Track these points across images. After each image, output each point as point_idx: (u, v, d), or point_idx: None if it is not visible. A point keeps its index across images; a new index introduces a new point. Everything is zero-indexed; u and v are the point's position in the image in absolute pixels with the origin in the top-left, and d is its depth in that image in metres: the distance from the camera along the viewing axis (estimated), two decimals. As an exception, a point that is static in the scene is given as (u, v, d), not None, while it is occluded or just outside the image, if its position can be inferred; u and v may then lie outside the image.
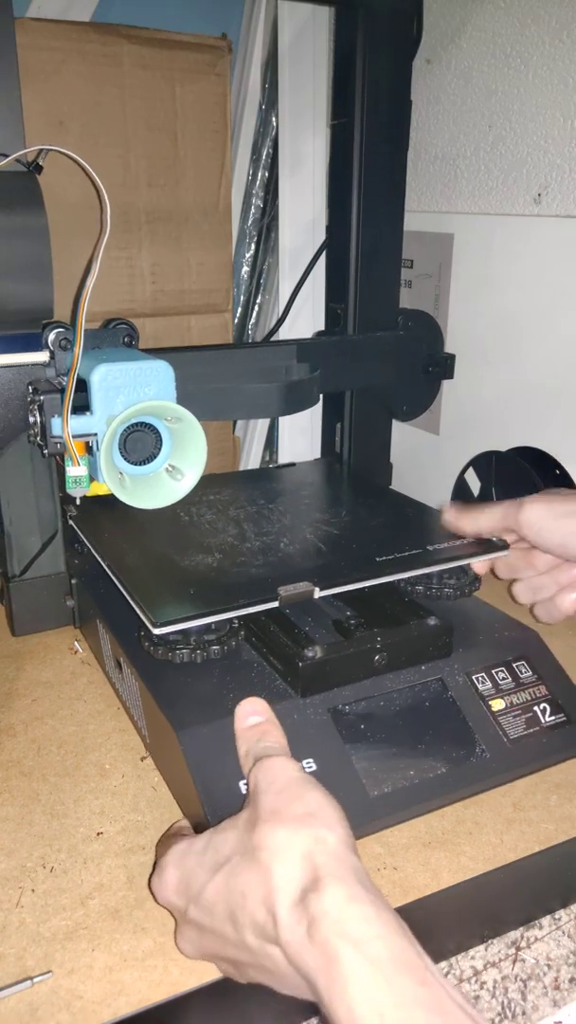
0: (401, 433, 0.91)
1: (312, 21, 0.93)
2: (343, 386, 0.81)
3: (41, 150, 0.57)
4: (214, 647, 0.49)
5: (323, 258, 0.94)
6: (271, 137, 1.01)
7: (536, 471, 0.75)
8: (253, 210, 1.04)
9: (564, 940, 0.42)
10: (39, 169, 0.57)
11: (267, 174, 1.03)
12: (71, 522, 0.63)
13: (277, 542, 0.58)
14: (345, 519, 0.63)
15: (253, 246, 1.05)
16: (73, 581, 0.66)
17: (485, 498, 0.82)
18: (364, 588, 0.52)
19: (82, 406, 0.52)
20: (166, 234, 0.84)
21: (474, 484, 0.84)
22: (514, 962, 0.41)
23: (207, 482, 0.63)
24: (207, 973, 0.38)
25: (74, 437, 0.51)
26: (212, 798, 0.41)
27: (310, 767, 0.43)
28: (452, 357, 0.85)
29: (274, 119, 0.99)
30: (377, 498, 0.70)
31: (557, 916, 0.43)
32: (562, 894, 0.44)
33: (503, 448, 0.80)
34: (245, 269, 1.06)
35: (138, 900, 0.41)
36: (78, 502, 0.59)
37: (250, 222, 1.04)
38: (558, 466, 0.74)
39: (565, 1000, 0.39)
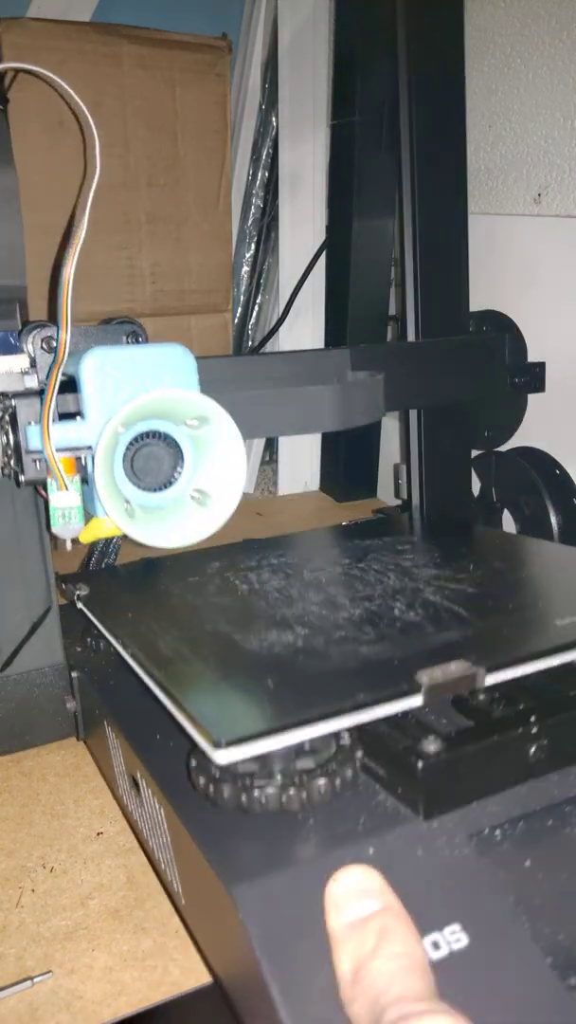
0: (397, 432, 0.91)
1: (312, 21, 0.93)
2: (410, 405, 0.63)
3: (8, 69, 0.48)
4: (318, 782, 0.30)
5: (323, 258, 0.94)
6: (271, 137, 1.01)
7: (536, 471, 0.75)
8: (253, 210, 1.04)
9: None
10: (5, 101, 0.49)
11: (267, 174, 1.03)
12: (79, 605, 0.47)
13: (388, 608, 0.41)
14: (476, 573, 0.46)
15: (253, 246, 1.05)
16: (74, 675, 0.48)
17: (485, 498, 0.82)
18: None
19: (70, 413, 0.39)
20: (166, 234, 0.84)
21: (474, 484, 0.85)
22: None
23: (255, 547, 0.52)
24: (207, 973, 0.38)
25: (58, 451, 0.37)
26: (293, 995, 0.24)
27: (457, 939, 0.25)
28: (542, 366, 0.69)
29: (274, 119, 0.99)
30: (506, 545, 0.54)
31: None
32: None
33: (503, 448, 0.80)
34: (245, 269, 1.06)
35: (138, 900, 0.41)
36: (81, 589, 0.45)
37: (250, 222, 1.04)
38: (558, 466, 0.74)
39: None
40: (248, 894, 0.26)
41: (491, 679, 0.33)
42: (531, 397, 0.76)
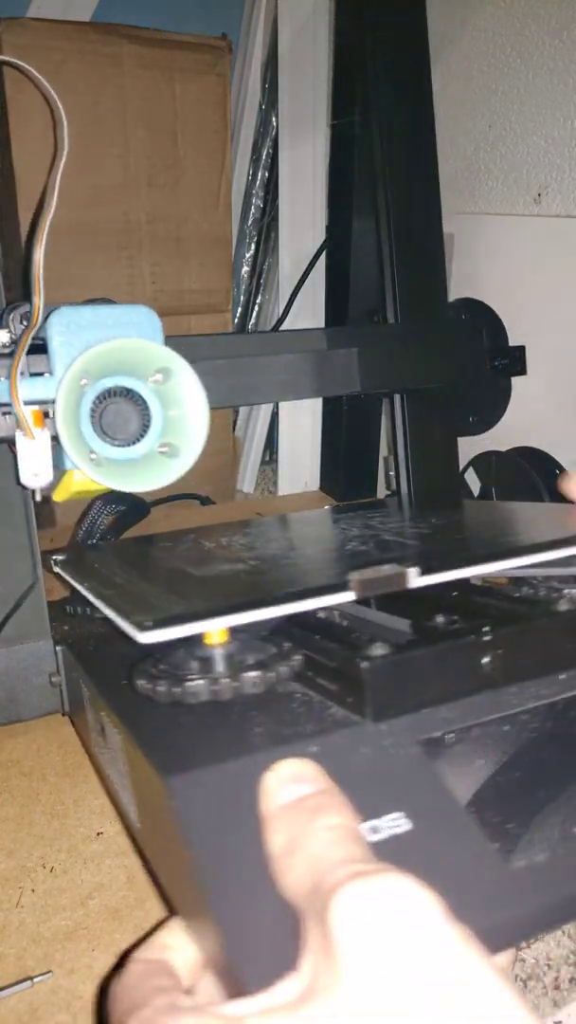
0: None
1: (312, 21, 0.93)
2: (390, 386, 0.64)
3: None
4: (251, 674, 0.31)
5: (323, 258, 0.94)
6: (271, 137, 1.01)
7: (536, 471, 0.75)
8: (253, 210, 1.04)
9: (564, 940, 0.42)
10: None
11: (267, 174, 1.03)
12: (56, 569, 0.47)
13: (341, 546, 0.43)
14: (437, 523, 0.47)
15: (253, 246, 1.05)
16: (59, 649, 0.47)
17: (485, 498, 0.82)
18: (478, 580, 0.36)
19: (40, 373, 0.40)
20: (166, 234, 0.84)
21: (474, 484, 0.85)
22: (514, 962, 0.41)
23: (238, 524, 0.53)
24: (207, 973, 0.38)
25: (26, 403, 0.38)
26: (229, 895, 0.23)
27: (399, 825, 0.25)
28: (521, 349, 0.70)
29: (274, 119, 0.99)
30: (478, 506, 0.56)
31: (557, 916, 0.43)
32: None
33: (503, 448, 0.80)
34: (245, 269, 1.06)
35: (138, 900, 0.41)
36: (59, 555, 0.46)
37: (250, 222, 1.04)
38: (558, 466, 0.74)
39: (565, 1000, 0.39)
40: (182, 783, 0.25)
41: (422, 580, 0.33)
42: (531, 397, 0.76)
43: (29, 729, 0.55)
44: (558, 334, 0.73)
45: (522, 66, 0.74)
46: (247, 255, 1.06)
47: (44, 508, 0.75)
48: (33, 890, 0.42)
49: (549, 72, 0.72)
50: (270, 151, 1.01)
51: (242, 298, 1.06)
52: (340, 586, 0.32)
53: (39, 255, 0.39)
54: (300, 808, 0.23)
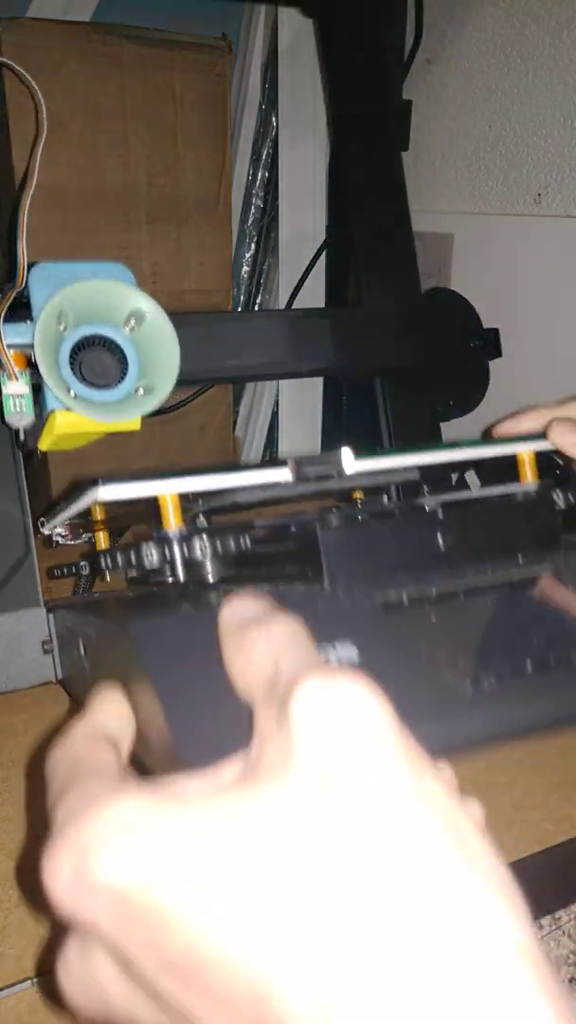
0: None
1: (312, 21, 0.93)
2: (362, 370, 0.67)
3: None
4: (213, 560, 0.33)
5: (323, 258, 0.95)
6: (271, 137, 1.01)
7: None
8: (253, 210, 1.04)
9: (564, 940, 0.42)
10: None
11: (267, 174, 1.03)
12: (43, 531, 0.47)
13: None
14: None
15: (253, 246, 1.05)
16: (51, 615, 0.47)
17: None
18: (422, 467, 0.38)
19: (23, 321, 0.42)
20: (166, 234, 0.84)
21: (474, 484, 0.85)
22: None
23: None
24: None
25: (9, 346, 0.41)
26: (175, 686, 0.24)
27: (349, 654, 0.26)
28: (495, 331, 0.73)
29: (274, 119, 0.99)
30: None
31: (557, 916, 0.43)
32: (562, 894, 0.44)
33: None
34: (245, 269, 1.06)
35: (138, 900, 0.42)
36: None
37: (250, 222, 1.04)
38: (557, 465, 0.74)
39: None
40: (144, 629, 0.26)
41: (356, 466, 0.35)
42: (530, 396, 0.76)
43: (29, 729, 0.55)
44: (558, 334, 0.73)
45: (522, 66, 0.74)
46: (247, 255, 1.06)
47: (40, 484, 0.76)
48: (33, 890, 0.42)
49: (549, 72, 0.72)
50: (270, 151, 1.01)
51: (242, 298, 1.06)
52: (279, 463, 0.35)
53: (23, 218, 0.43)
54: (258, 619, 0.23)
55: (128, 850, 0.17)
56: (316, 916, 0.16)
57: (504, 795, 0.48)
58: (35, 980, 0.37)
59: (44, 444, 0.43)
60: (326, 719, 0.18)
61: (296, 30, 0.93)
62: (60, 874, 0.18)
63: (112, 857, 0.17)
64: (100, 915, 0.17)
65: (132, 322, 0.43)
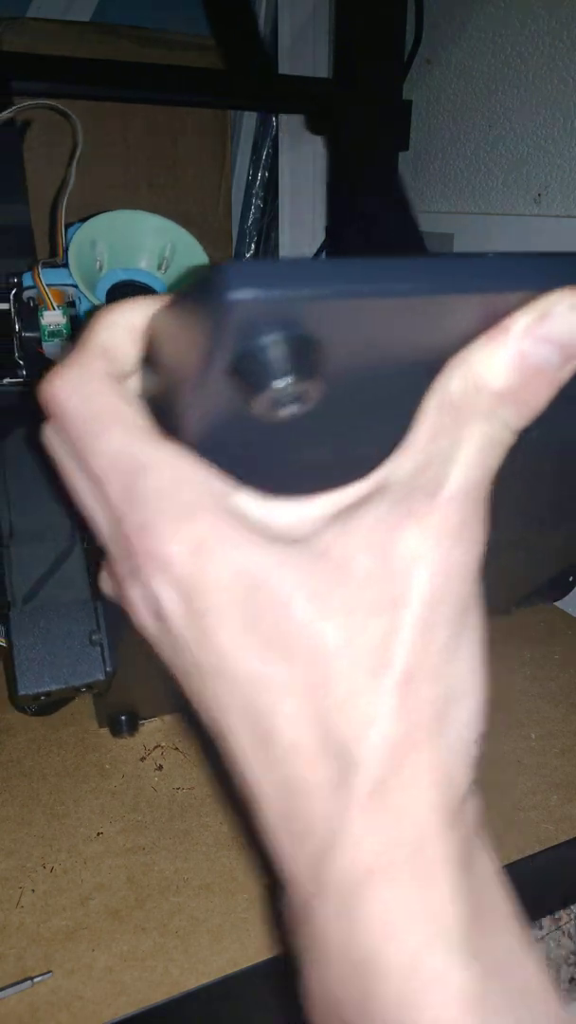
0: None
1: (312, 20, 0.93)
2: None
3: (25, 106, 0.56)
4: None
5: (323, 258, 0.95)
6: (271, 137, 1.01)
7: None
8: (253, 210, 1.04)
9: (564, 940, 0.42)
10: (22, 132, 0.58)
11: (267, 174, 1.03)
12: None
13: None
14: None
15: (253, 246, 1.05)
16: (98, 606, 0.44)
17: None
18: None
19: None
20: (166, 234, 0.84)
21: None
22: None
23: None
24: (207, 973, 0.38)
25: (49, 285, 0.43)
26: None
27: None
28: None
29: (274, 119, 0.99)
30: None
31: (557, 916, 0.43)
32: (562, 894, 0.44)
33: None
34: (245, 269, 1.06)
35: (138, 900, 0.41)
36: None
37: (250, 222, 1.04)
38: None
39: (565, 1000, 0.39)
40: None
41: None
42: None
43: (29, 728, 0.55)
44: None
45: (522, 66, 0.74)
46: (247, 255, 1.06)
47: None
48: (33, 890, 0.42)
49: (549, 72, 0.72)
50: (270, 151, 1.01)
51: (242, 298, 1.06)
52: None
53: (61, 214, 0.49)
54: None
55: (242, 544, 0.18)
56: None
57: (504, 795, 0.48)
58: (35, 980, 0.37)
59: None
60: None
61: (296, 30, 0.93)
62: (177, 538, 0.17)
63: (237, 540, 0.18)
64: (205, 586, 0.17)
65: (166, 264, 0.45)
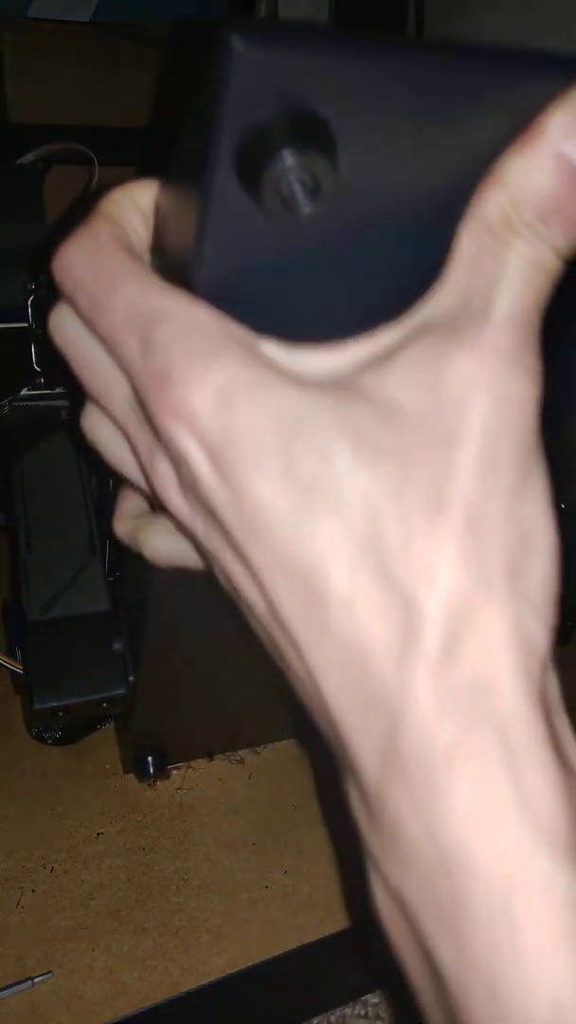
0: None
1: (312, 20, 0.93)
2: None
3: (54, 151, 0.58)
4: None
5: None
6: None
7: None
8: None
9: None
10: (47, 164, 0.59)
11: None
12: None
13: None
14: None
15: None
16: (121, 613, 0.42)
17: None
18: None
19: None
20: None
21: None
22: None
23: None
24: (207, 973, 0.38)
25: None
26: None
27: None
28: None
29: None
30: None
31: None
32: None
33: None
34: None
35: (138, 900, 0.41)
36: None
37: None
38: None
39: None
40: None
41: None
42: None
43: (28, 728, 0.55)
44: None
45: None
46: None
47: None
48: (33, 890, 0.42)
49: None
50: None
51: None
52: None
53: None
54: None
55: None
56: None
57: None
58: (35, 980, 0.37)
59: None
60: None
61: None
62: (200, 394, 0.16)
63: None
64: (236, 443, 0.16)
65: None
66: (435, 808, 0.15)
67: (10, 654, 0.41)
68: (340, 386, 0.16)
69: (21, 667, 0.40)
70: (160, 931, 0.40)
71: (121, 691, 0.39)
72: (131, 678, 0.39)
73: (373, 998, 0.40)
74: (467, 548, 0.15)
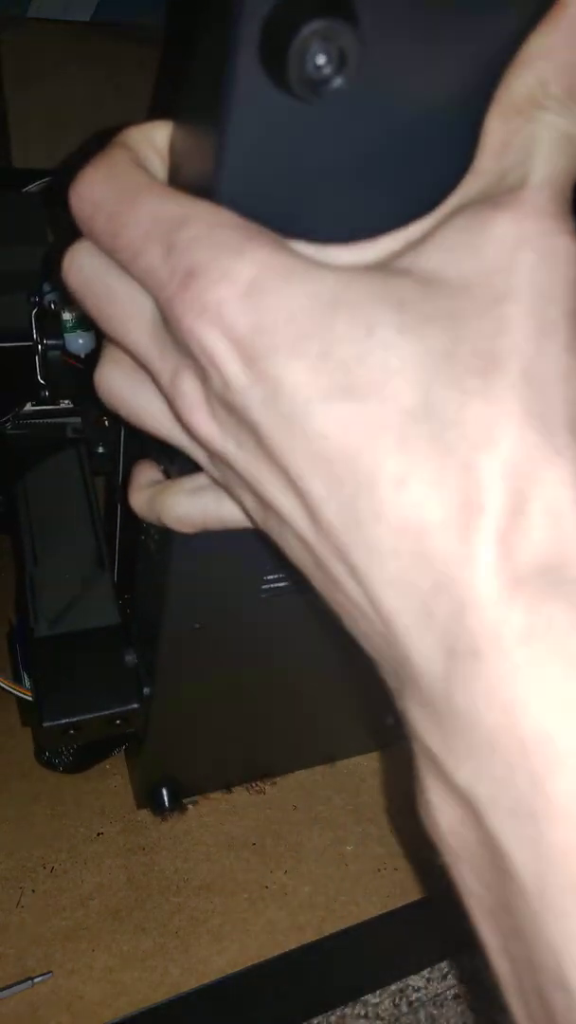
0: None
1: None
2: None
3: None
4: None
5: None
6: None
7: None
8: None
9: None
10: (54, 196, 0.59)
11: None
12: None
13: None
14: None
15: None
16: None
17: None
18: None
19: None
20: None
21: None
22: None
23: None
24: (207, 974, 0.38)
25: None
26: None
27: None
28: None
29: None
30: None
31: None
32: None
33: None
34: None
35: (138, 900, 0.41)
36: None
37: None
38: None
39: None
40: None
41: None
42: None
43: (28, 729, 0.55)
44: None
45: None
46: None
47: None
48: (33, 890, 0.42)
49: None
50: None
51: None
52: None
53: None
54: None
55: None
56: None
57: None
58: (35, 980, 0.37)
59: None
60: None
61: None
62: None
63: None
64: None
65: None
66: (514, 690, 0.14)
67: (17, 681, 0.40)
68: (376, 268, 0.16)
69: (29, 693, 0.38)
70: (160, 931, 0.40)
71: (135, 705, 0.36)
72: (147, 690, 0.36)
73: (373, 998, 0.40)
74: (527, 403, 0.14)
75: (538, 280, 0.14)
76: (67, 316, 0.45)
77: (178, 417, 0.18)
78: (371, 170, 0.17)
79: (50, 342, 0.45)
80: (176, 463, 0.23)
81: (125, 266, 0.17)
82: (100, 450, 0.49)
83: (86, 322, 0.44)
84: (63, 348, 0.45)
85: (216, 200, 0.16)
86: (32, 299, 0.47)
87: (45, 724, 0.34)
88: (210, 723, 0.41)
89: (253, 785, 0.48)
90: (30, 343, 0.47)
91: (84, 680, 0.36)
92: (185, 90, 0.18)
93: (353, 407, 0.14)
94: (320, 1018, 0.38)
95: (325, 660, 0.37)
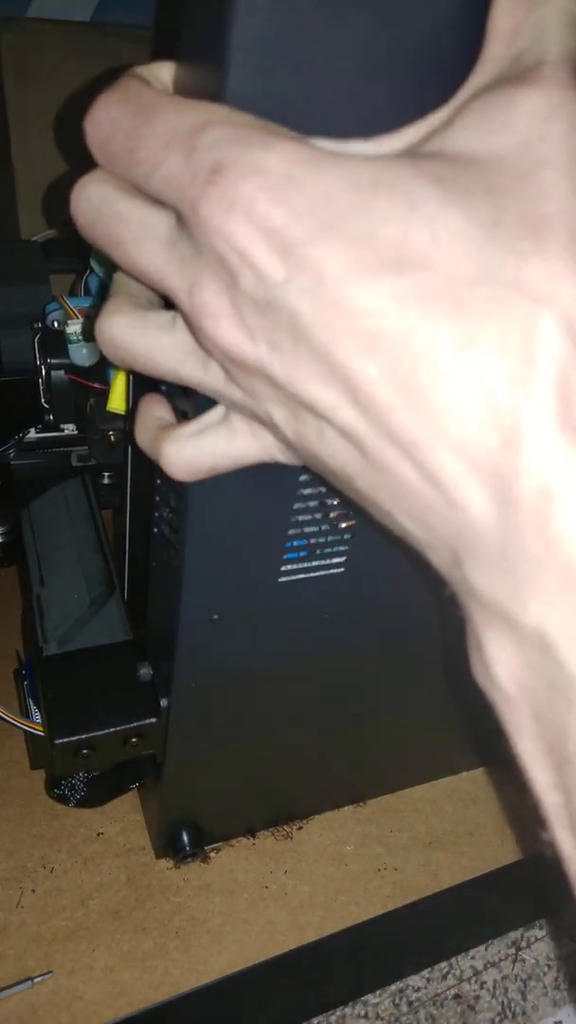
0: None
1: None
2: None
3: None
4: None
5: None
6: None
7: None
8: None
9: (564, 940, 0.42)
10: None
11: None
12: None
13: None
14: None
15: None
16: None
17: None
18: None
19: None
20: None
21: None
22: (514, 962, 0.41)
23: None
24: (207, 973, 0.38)
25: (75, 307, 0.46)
26: None
27: None
28: None
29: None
30: None
31: (557, 916, 0.44)
32: (562, 894, 0.44)
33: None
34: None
35: (138, 900, 0.41)
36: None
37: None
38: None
39: (565, 1000, 0.39)
40: None
41: None
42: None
43: (29, 729, 0.55)
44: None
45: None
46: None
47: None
48: (33, 890, 0.42)
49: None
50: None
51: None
52: None
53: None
54: None
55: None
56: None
57: (504, 795, 0.48)
58: (35, 980, 0.37)
59: (112, 405, 0.42)
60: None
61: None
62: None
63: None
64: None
65: None
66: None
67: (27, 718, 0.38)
68: (405, 154, 0.16)
69: (39, 727, 0.37)
70: (160, 931, 0.40)
71: (153, 720, 0.34)
72: (164, 702, 0.34)
73: (373, 998, 0.40)
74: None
75: (572, 146, 0.15)
76: (70, 330, 0.45)
77: (198, 336, 0.17)
78: (378, 64, 0.17)
79: (54, 361, 0.46)
80: (192, 397, 0.22)
81: (143, 183, 0.17)
82: (106, 480, 0.49)
83: (88, 334, 0.44)
84: (68, 366, 0.46)
85: (230, 102, 0.16)
86: (35, 326, 0.47)
87: (56, 742, 0.33)
88: (230, 752, 0.39)
89: (279, 829, 0.46)
90: (31, 376, 0.47)
91: (97, 696, 0.35)
92: (185, 23, 0.18)
93: (405, 280, 0.14)
94: (320, 1018, 0.38)
95: (355, 675, 0.36)
